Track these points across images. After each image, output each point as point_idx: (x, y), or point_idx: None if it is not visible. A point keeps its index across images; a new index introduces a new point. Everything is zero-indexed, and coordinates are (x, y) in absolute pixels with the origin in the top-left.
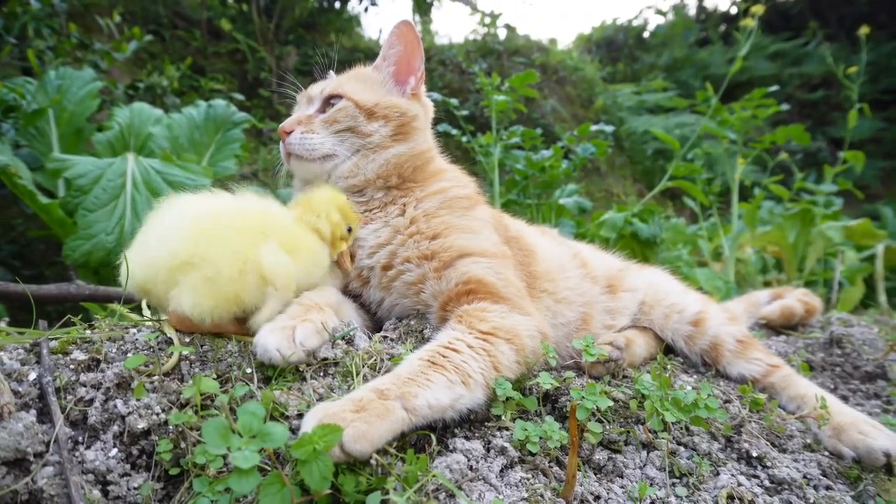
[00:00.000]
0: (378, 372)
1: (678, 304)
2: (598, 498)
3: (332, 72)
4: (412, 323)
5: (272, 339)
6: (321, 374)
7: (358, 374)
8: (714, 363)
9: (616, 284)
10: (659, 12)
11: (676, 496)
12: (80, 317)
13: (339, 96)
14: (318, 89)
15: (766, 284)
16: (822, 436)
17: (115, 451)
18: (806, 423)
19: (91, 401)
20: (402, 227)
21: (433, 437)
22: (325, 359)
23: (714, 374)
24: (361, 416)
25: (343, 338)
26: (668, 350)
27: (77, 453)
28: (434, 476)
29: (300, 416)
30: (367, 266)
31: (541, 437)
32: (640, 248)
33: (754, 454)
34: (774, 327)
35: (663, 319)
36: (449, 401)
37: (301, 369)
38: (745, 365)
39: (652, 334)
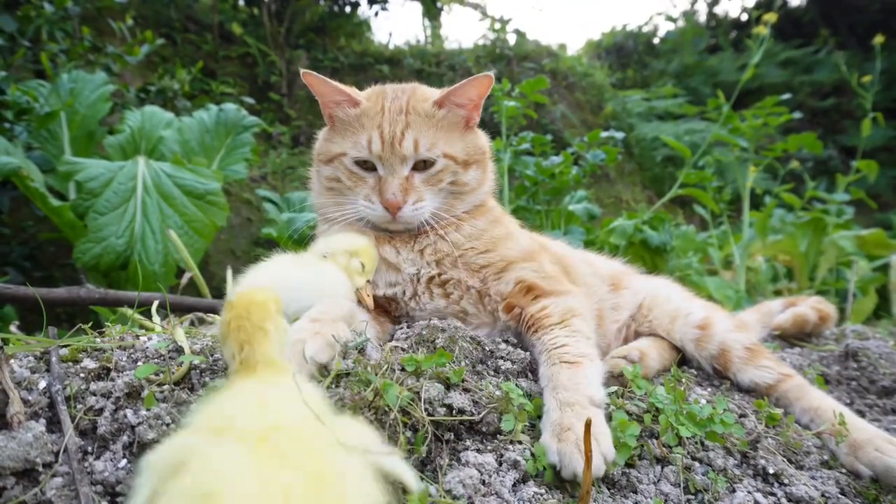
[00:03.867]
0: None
1: (683, 308)
2: None
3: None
4: (423, 332)
5: None
6: (334, 384)
7: (370, 385)
8: (724, 370)
9: (618, 283)
10: (669, 19)
11: None
12: (90, 324)
13: (435, 158)
14: (411, 149)
15: (777, 293)
16: (840, 453)
17: (124, 461)
18: (822, 439)
19: (101, 410)
20: (458, 242)
21: (445, 449)
22: (338, 371)
23: (728, 387)
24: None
25: (356, 348)
26: (681, 362)
27: (86, 464)
28: (448, 491)
29: None
30: (413, 274)
31: None
32: (650, 255)
33: (771, 471)
34: (788, 337)
35: (670, 323)
36: (600, 382)
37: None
38: (756, 372)
39: (666, 345)
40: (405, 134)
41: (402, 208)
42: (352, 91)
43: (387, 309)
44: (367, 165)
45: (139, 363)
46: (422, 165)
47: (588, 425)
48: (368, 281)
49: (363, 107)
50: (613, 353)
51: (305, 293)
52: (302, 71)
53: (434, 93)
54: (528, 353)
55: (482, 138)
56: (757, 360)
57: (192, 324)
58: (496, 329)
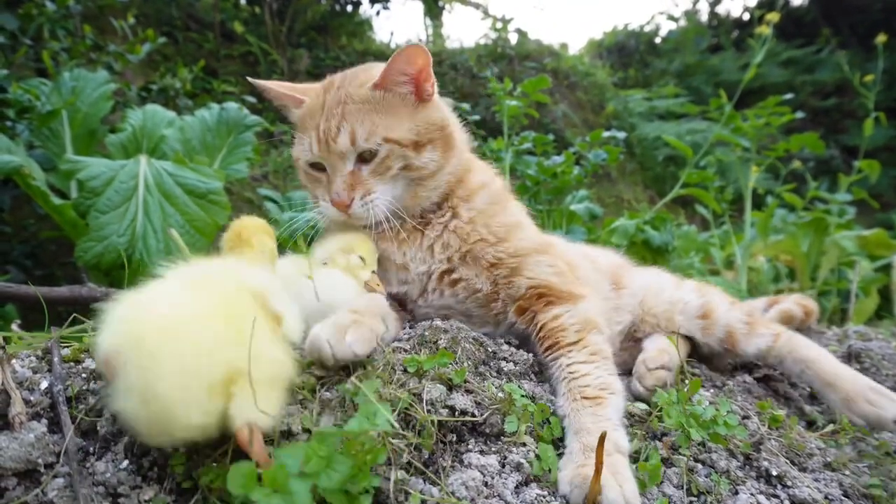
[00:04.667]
0: (390, 384)
1: (679, 300)
2: None
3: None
4: (426, 333)
5: (324, 332)
6: (335, 387)
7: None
8: (732, 348)
9: (618, 281)
10: (671, 18)
11: None
12: (92, 323)
13: (376, 148)
14: (347, 143)
15: (778, 293)
16: (836, 406)
17: (125, 462)
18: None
19: (102, 410)
20: (463, 233)
21: (448, 450)
22: (341, 370)
23: (731, 388)
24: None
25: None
26: (690, 355)
27: (88, 465)
28: (451, 493)
29: (307, 431)
30: (423, 272)
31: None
32: (652, 255)
33: (774, 473)
34: None
35: (671, 318)
36: (621, 421)
37: (317, 381)
38: (757, 340)
39: (680, 339)
40: (340, 128)
41: (351, 205)
42: (294, 90)
43: (402, 302)
44: (318, 166)
45: None
46: (368, 156)
47: (602, 438)
48: (373, 271)
49: (306, 105)
50: (650, 363)
51: (315, 304)
52: (249, 79)
53: (376, 74)
54: (530, 355)
55: (439, 111)
56: (756, 329)
57: None
58: (499, 330)
